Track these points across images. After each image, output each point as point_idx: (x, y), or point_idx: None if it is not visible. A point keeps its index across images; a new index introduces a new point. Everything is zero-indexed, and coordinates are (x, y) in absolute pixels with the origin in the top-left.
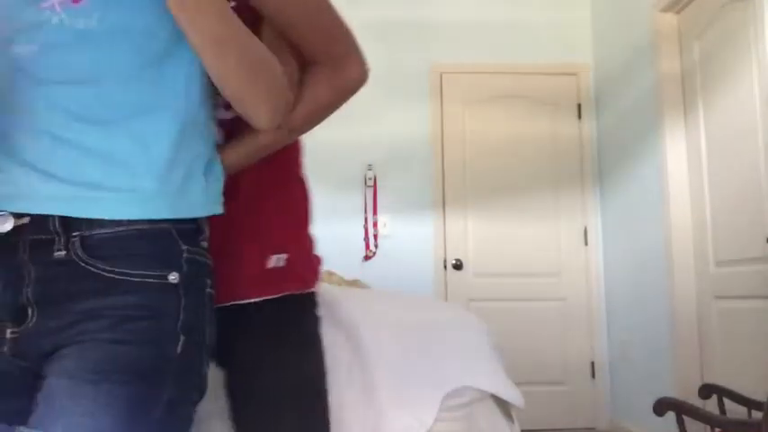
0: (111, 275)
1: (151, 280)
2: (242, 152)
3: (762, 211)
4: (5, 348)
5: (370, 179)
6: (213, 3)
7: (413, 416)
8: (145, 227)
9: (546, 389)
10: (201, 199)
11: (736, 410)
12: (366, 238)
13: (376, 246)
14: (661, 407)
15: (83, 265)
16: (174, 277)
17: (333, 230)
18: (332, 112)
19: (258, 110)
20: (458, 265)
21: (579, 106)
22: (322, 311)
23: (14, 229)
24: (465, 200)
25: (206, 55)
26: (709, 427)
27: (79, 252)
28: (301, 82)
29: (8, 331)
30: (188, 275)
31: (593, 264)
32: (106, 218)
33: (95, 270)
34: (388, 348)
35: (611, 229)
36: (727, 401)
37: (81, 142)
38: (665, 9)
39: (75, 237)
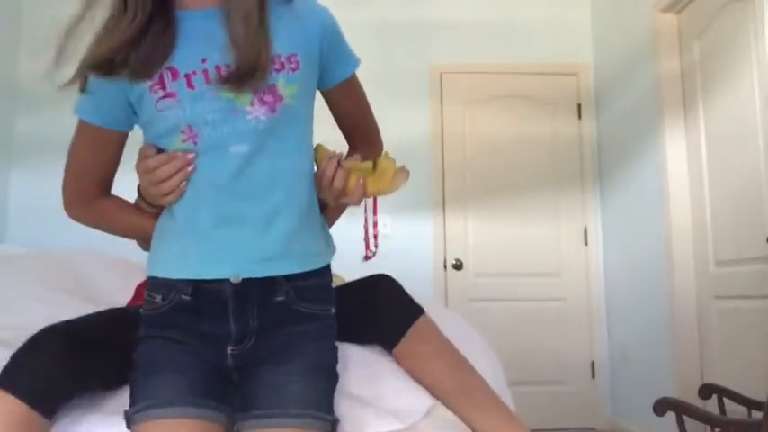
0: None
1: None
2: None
3: (762, 211)
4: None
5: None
6: None
7: (389, 421)
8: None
9: (546, 389)
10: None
11: (736, 410)
12: (366, 238)
13: (376, 246)
14: (661, 407)
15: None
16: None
17: (333, 230)
18: None
19: None
20: (458, 265)
21: (579, 106)
22: None
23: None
24: (465, 200)
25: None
26: (709, 427)
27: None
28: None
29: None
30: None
31: (593, 264)
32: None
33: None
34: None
35: (611, 229)
36: (727, 401)
37: None
38: (665, 9)
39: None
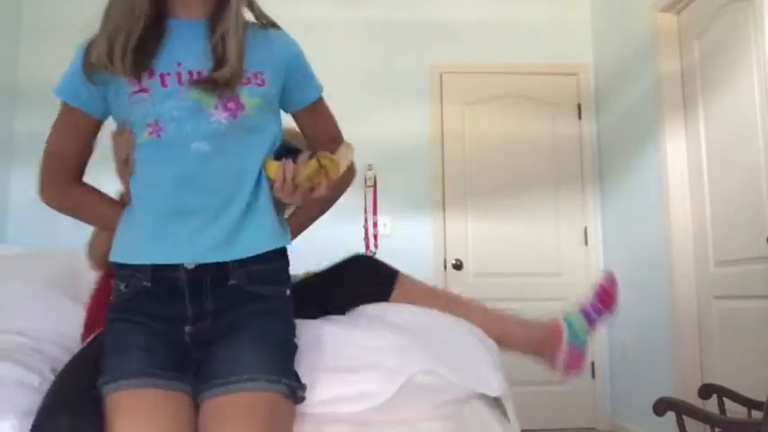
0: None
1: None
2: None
3: (762, 211)
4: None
5: (370, 179)
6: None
7: (371, 387)
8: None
9: (546, 389)
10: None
11: (736, 410)
12: (366, 238)
13: (376, 246)
14: (661, 407)
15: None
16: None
17: (333, 230)
18: None
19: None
20: (458, 265)
21: (579, 106)
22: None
23: None
24: (465, 200)
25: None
26: (709, 427)
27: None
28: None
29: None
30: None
31: (593, 264)
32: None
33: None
34: (362, 331)
35: (611, 229)
36: (727, 401)
37: None
38: (665, 9)
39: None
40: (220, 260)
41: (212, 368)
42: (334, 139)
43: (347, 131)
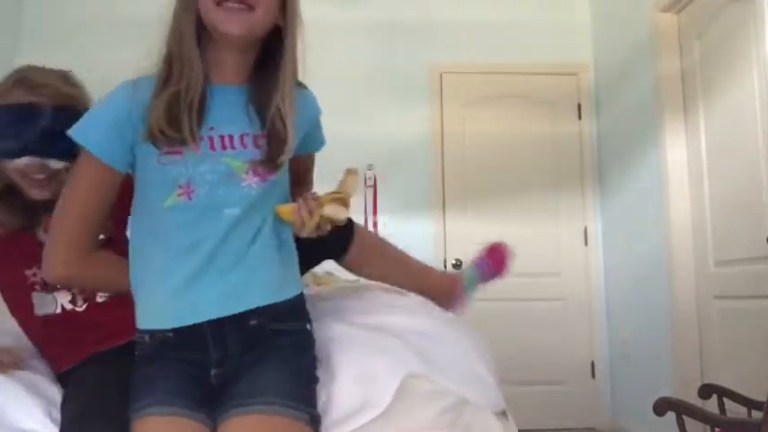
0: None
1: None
2: None
3: (762, 211)
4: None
5: (370, 179)
6: None
7: (366, 398)
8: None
9: (546, 389)
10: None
11: (736, 410)
12: None
13: None
14: (661, 407)
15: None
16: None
17: None
18: None
19: None
20: (458, 266)
21: (579, 106)
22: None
23: None
24: (465, 200)
25: None
26: (709, 427)
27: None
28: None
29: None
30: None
31: (593, 264)
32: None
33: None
34: (356, 338)
35: (611, 229)
36: (727, 401)
37: None
38: (665, 9)
39: None
40: (244, 309)
41: (232, 392)
42: (305, 187)
43: (347, 131)
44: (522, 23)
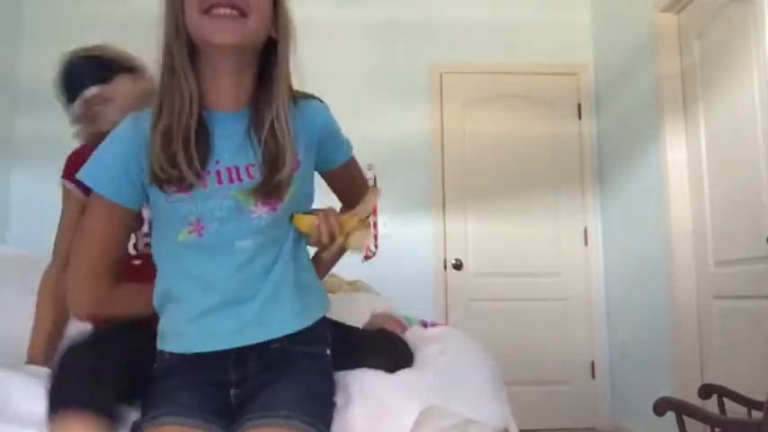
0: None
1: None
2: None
3: (762, 211)
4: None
5: (370, 179)
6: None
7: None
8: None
9: (546, 389)
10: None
11: (736, 410)
12: None
13: (376, 246)
14: (661, 407)
15: None
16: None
17: None
18: None
19: None
20: (458, 265)
21: (579, 106)
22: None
23: None
24: (465, 200)
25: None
26: (708, 427)
27: None
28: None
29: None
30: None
31: (593, 264)
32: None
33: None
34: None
35: (611, 229)
36: (727, 401)
37: None
38: (665, 9)
39: None
40: (263, 340)
41: (250, 407)
42: (360, 194)
43: (347, 131)
44: (521, 23)
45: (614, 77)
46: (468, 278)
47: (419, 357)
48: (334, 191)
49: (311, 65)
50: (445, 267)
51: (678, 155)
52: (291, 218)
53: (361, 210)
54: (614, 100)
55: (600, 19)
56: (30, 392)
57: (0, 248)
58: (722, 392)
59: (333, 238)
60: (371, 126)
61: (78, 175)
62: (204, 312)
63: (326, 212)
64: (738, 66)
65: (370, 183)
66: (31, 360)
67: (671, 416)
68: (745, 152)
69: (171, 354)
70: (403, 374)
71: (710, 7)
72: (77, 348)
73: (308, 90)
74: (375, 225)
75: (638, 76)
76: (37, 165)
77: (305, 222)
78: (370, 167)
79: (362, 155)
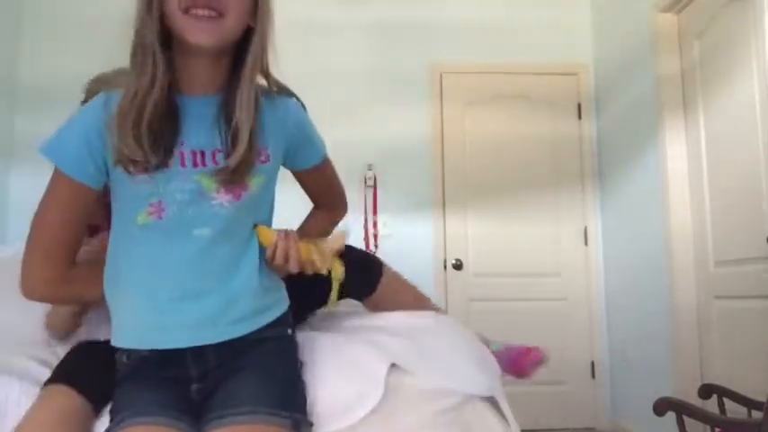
0: None
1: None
2: None
3: (762, 211)
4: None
5: (370, 179)
6: None
7: (358, 389)
8: None
9: (546, 389)
10: None
11: (736, 410)
12: (366, 238)
13: (376, 246)
14: (661, 407)
15: None
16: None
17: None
18: None
19: None
20: (458, 265)
21: (579, 106)
22: None
23: None
24: (465, 200)
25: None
26: (708, 427)
27: None
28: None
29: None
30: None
31: (593, 264)
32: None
33: None
34: (335, 337)
35: (611, 229)
36: (727, 401)
37: None
38: (665, 9)
39: None
40: (221, 341)
41: (213, 404)
42: (335, 199)
43: (347, 131)
44: (521, 23)
45: (614, 77)
46: (468, 278)
47: (401, 333)
48: (307, 192)
49: (312, 65)
50: (445, 267)
51: (678, 155)
52: (254, 226)
53: (324, 246)
54: (614, 100)
55: (600, 19)
56: (29, 401)
57: (0, 249)
58: (722, 392)
59: (286, 259)
60: (371, 126)
61: (40, 149)
62: (158, 306)
63: (288, 233)
64: (738, 66)
65: (370, 182)
66: (49, 327)
67: (671, 416)
68: (744, 152)
69: (128, 357)
70: (374, 335)
71: (710, 7)
72: (86, 345)
73: (309, 90)
74: (375, 225)
75: (637, 76)
76: (37, 165)
77: (266, 235)
78: (370, 167)
79: (362, 155)
